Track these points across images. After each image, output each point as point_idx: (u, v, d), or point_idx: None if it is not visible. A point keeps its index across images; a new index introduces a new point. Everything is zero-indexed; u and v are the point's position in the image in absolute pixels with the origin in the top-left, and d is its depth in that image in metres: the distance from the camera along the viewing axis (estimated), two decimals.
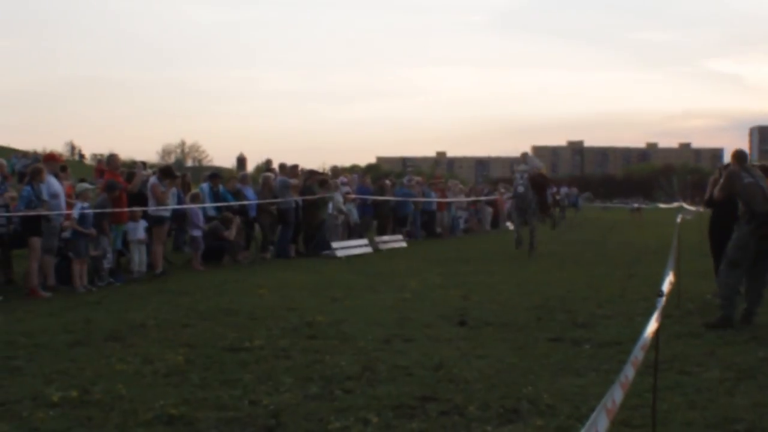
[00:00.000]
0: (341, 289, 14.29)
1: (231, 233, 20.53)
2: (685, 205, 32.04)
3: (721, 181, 11.40)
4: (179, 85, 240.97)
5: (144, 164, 23.84)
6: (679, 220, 15.05)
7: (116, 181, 17.68)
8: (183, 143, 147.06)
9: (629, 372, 4.18)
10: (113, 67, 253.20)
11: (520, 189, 23.96)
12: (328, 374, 7.94)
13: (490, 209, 39.92)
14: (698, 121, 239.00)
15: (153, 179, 19.05)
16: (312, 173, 26.64)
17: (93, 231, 16.25)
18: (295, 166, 26.30)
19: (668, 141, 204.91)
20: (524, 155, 26.80)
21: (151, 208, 18.28)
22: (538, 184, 25.12)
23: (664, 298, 5.83)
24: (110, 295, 14.80)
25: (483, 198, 39.97)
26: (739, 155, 11.73)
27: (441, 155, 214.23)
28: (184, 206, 19.93)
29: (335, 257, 22.29)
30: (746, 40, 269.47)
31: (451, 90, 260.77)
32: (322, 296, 13.60)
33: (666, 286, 7.21)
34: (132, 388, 7.51)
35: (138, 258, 17.82)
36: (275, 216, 22.94)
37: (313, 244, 23.67)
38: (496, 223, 39.91)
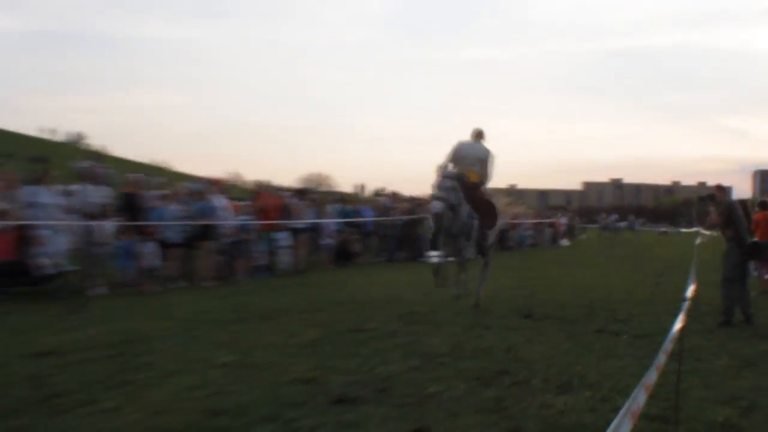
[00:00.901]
0: (434, 287, 14.25)
1: (353, 243, 20.72)
2: (702, 230, 31.20)
3: (719, 209, 11.24)
4: (316, 129, 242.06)
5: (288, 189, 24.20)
6: (697, 242, 14.81)
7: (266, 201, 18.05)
8: (319, 174, 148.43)
9: (661, 358, 4.13)
10: (264, 114, 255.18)
11: (437, 207, 11.06)
12: (425, 351, 7.93)
13: (549, 229, 39.69)
14: (712, 165, 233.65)
15: (294, 199, 19.45)
16: (413, 198, 26.85)
17: (251, 236, 16.56)
18: (395, 193, 27.42)
19: (688, 180, 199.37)
20: (457, 148, 12.14)
21: (293, 221, 18.52)
22: (475, 197, 11.99)
23: (687, 302, 5.73)
24: (263, 286, 14.99)
25: (544, 220, 39.91)
26: (723, 188, 11.74)
27: (512, 186, 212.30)
28: (319, 221, 20.12)
29: (429, 262, 22.27)
30: (751, 101, 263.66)
31: (519, 136, 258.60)
32: (420, 292, 13.59)
33: (689, 293, 7.09)
34: (279, 355, 7.61)
35: (283, 259, 18.06)
36: (386, 230, 23.15)
37: (413, 252, 23.70)
38: (554, 240, 39.52)
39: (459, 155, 12.02)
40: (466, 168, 11.93)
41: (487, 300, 12.43)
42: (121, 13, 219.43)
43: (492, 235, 12.74)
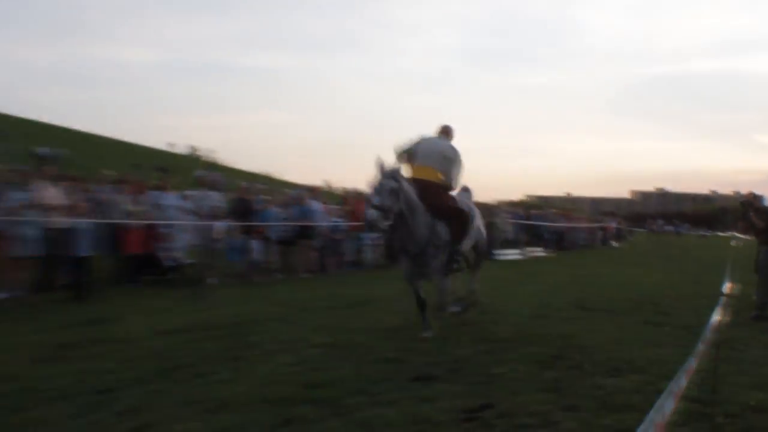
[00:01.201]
0: (501, 281, 14.15)
1: None
2: (737, 234, 30.19)
3: (758, 214, 10.93)
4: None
5: None
6: (732, 244, 14.37)
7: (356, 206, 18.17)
8: None
9: (700, 347, 4.04)
10: (354, 131, 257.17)
11: (371, 216, 7.16)
12: (492, 337, 7.88)
13: (601, 232, 39.01)
14: (746, 176, 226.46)
15: None
16: (486, 205, 26.72)
17: (342, 236, 16.69)
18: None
19: (724, 189, 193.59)
20: (416, 142, 8.50)
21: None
22: (438, 202, 8.10)
23: (724, 298, 5.60)
24: (351, 278, 15.09)
25: (596, 224, 39.30)
26: (756, 196, 11.44)
27: (568, 194, 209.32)
28: None
29: (497, 260, 22.14)
30: None
31: (575, 150, 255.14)
32: (488, 285, 13.48)
33: (725, 289, 6.91)
34: (365, 338, 7.65)
35: (369, 255, 18.14)
36: None
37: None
38: (605, 241, 38.78)
39: (418, 150, 8.33)
40: (427, 166, 8.25)
41: (546, 293, 12.30)
42: (236, 45, 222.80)
43: (468, 247, 9.00)
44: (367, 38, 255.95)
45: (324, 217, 16.76)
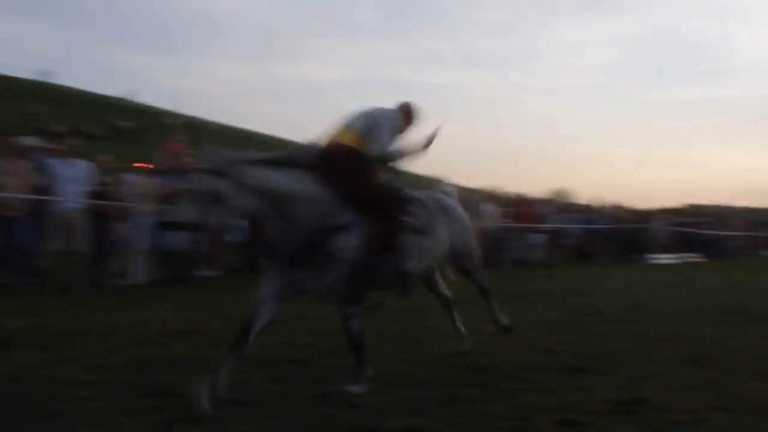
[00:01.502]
0: (655, 284, 13.33)
1: (591, 245, 19.96)
2: None
3: None
4: (562, 153, 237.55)
5: None
6: None
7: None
8: (564, 189, 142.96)
9: None
10: (520, 141, 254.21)
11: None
12: (647, 335, 7.37)
13: (753, 240, 35.51)
14: None
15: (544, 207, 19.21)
16: (639, 212, 25.50)
17: (510, 235, 16.45)
18: (622, 205, 25.87)
19: None
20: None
21: (543, 224, 18.30)
22: (351, 181, 4.38)
23: None
24: (518, 275, 14.76)
25: (749, 233, 35.55)
26: None
27: (722, 203, 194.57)
28: (563, 225, 19.64)
29: (653, 263, 21.08)
30: None
31: (729, 161, 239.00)
32: (642, 287, 12.75)
33: None
34: (528, 330, 7.40)
35: (535, 254, 17.76)
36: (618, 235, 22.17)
37: (639, 254, 22.44)
38: (757, 249, 35.05)
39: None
40: (346, 128, 4.77)
41: (699, 297, 11.42)
42: (413, 64, 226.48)
43: (418, 267, 5.15)
44: (534, 56, 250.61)
45: (495, 218, 16.78)
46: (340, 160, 4.54)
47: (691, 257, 24.90)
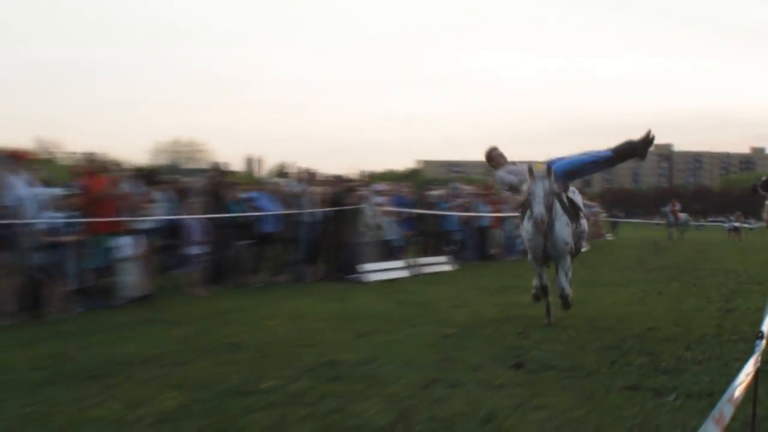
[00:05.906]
0: (370, 322, 14.27)
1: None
2: None
3: None
4: (173, 71, 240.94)
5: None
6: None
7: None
8: (177, 141, 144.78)
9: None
10: (89, 49, 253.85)
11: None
12: (351, 425, 7.96)
13: None
14: None
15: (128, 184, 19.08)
16: (339, 180, 26.69)
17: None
18: (314, 172, 25.90)
19: None
20: None
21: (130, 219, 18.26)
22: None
23: (765, 341, 5.73)
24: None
25: None
26: None
27: None
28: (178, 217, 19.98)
29: (363, 282, 22.32)
30: None
31: (510, 81, 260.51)
32: (346, 330, 13.58)
33: None
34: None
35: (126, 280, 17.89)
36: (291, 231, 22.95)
37: (337, 266, 23.70)
38: None
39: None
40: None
41: (453, 338, 12.45)
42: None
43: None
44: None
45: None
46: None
47: (433, 264, 27.12)
